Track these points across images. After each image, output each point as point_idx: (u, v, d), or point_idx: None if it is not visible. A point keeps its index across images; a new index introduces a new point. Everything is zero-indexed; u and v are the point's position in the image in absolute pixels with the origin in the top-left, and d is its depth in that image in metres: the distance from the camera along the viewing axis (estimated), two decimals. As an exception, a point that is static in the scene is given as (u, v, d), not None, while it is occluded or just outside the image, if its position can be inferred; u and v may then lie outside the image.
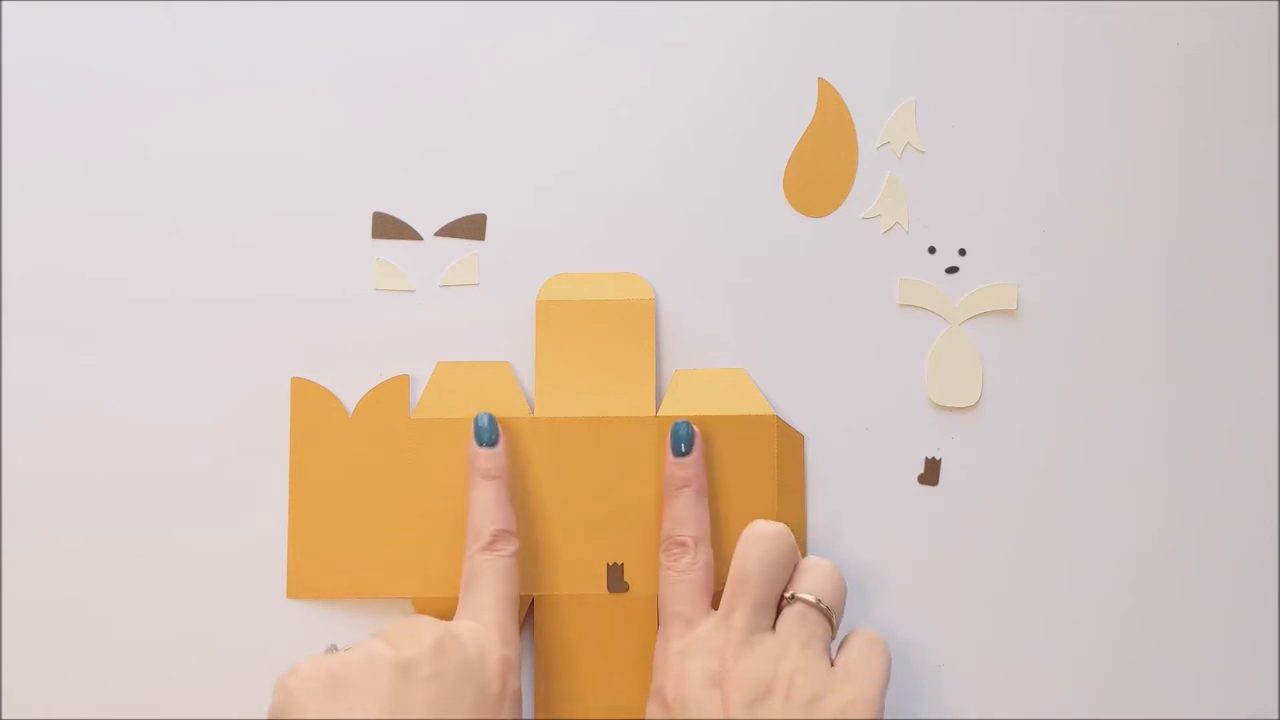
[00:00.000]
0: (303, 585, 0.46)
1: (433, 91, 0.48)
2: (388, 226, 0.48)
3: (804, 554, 0.47)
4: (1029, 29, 0.49)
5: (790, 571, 0.44)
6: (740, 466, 0.47)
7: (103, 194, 0.47)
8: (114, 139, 0.47)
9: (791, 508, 0.47)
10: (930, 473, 0.48)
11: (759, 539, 0.43)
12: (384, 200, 0.48)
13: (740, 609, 0.43)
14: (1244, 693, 0.48)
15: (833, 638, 0.43)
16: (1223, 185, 0.49)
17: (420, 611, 0.46)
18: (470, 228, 0.48)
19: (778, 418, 0.47)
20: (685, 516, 0.45)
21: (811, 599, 0.43)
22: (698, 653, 0.43)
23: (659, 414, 0.47)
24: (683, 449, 0.46)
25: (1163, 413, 0.49)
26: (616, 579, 0.46)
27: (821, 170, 0.48)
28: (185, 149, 0.47)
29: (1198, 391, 0.49)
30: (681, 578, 0.44)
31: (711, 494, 0.47)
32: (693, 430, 0.46)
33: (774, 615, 0.43)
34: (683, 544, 0.45)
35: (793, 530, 0.47)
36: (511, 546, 0.45)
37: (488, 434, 0.46)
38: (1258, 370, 0.49)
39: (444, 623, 0.42)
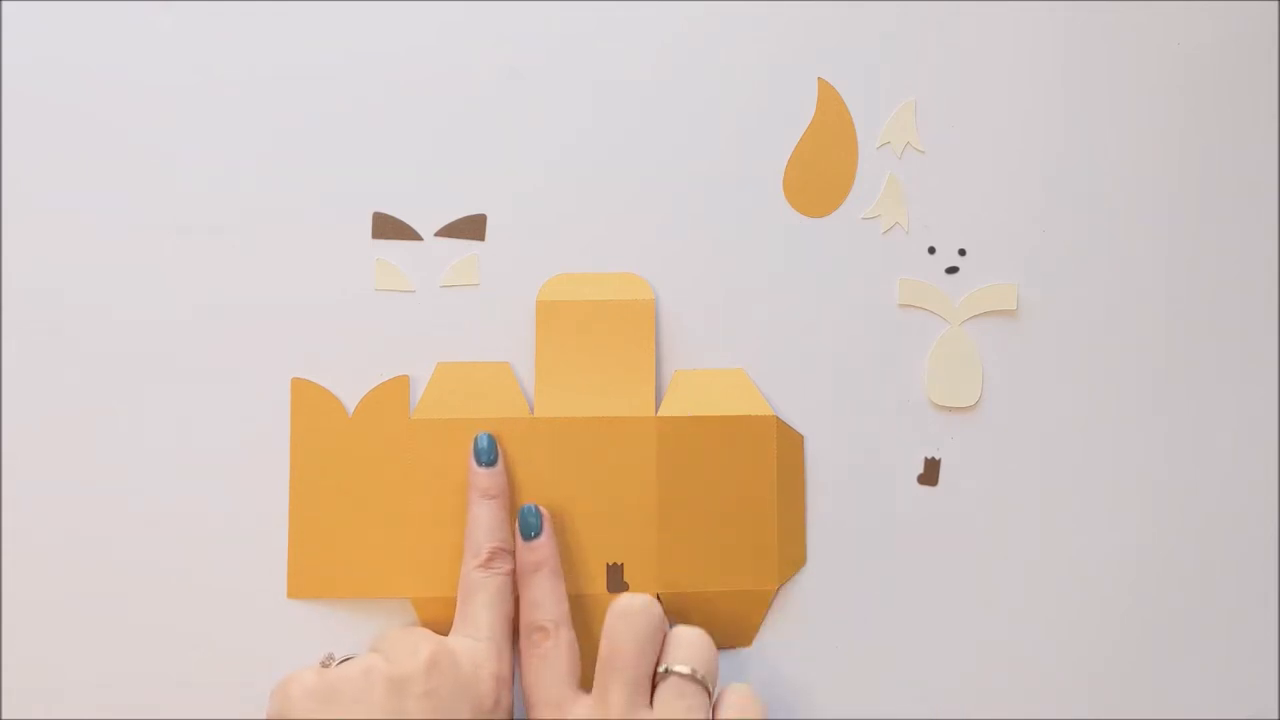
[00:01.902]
0: (303, 585, 0.46)
1: (433, 91, 0.48)
2: (388, 226, 0.48)
3: (804, 555, 0.47)
4: (1029, 29, 0.49)
5: (660, 643, 0.43)
6: (740, 467, 0.47)
7: (103, 194, 0.47)
8: (114, 139, 0.47)
9: (791, 508, 0.47)
10: (930, 473, 0.48)
11: (626, 614, 0.43)
12: (384, 200, 0.48)
13: (615, 689, 0.42)
14: (1244, 693, 0.48)
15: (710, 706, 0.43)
16: (1223, 185, 0.49)
17: (420, 611, 0.46)
18: (470, 228, 0.48)
19: (778, 418, 0.47)
20: (541, 599, 0.44)
21: (686, 670, 0.42)
22: None
23: (659, 414, 0.47)
24: (532, 534, 0.45)
25: (1163, 412, 0.49)
26: (616, 579, 0.46)
27: (821, 170, 0.48)
28: (185, 149, 0.47)
29: (1198, 391, 0.49)
30: (544, 664, 0.43)
31: (712, 494, 0.47)
32: (540, 513, 0.45)
33: (649, 691, 0.42)
34: (543, 629, 0.44)
35: (793, 530, 0.47)
36: (508, 565, 0.45)
37: (487, 454, 0.46)
38: (1258, 370, 0.49)
39: (440, 638, 0.43)
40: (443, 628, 0.45)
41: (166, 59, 0.47)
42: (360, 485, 0.46)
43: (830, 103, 0.49)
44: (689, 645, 0.43)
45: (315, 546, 0.46)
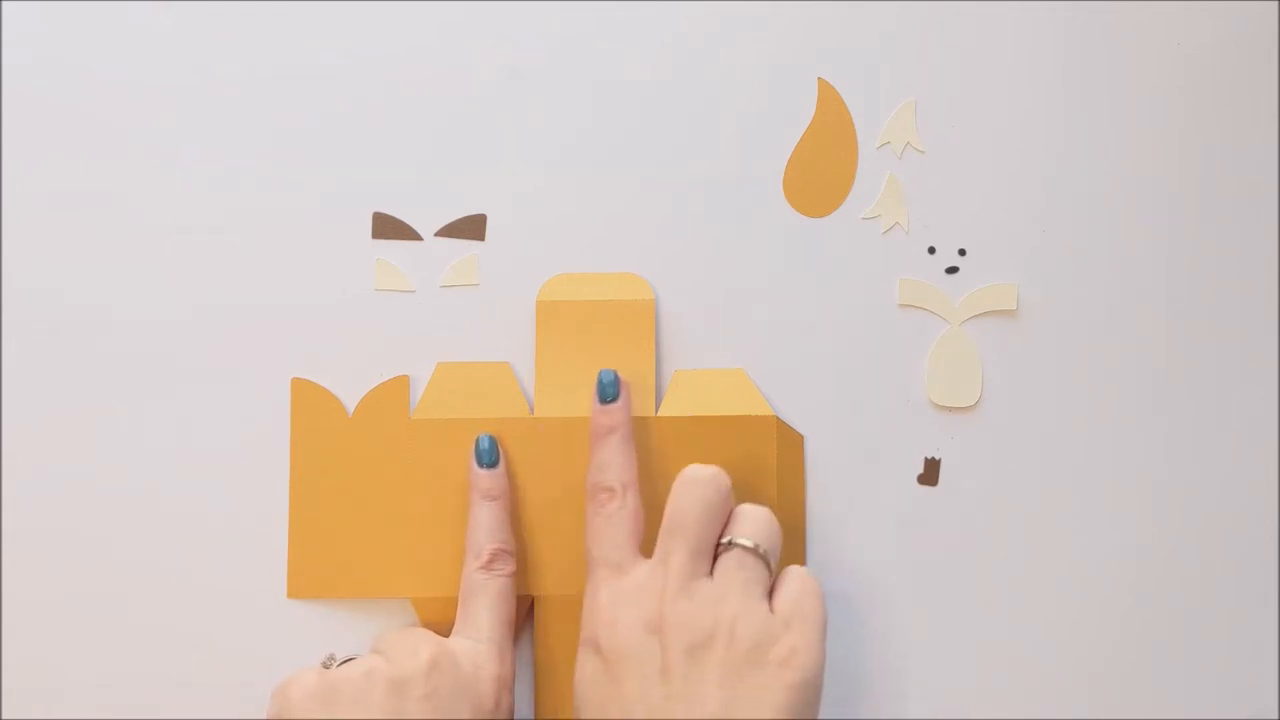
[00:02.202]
0: (303, 585, 0.46)
1: (433, 91, 0.48)
2: (388, 226, 0.48)
3: (804, 555, 0.47)
4: (1029, 29, 0.49)
5: (726, 517, 0.42)
6: (740, 467, 0.47)
7: (103, 194, 0.47)
8: (114, 139, 0.47)
9: (791, 508, 0.47)
10: (930, 473, 0.48)
11: (695, 483, 0.42)
12: (384, 200, 0.48)
13: (677, 553, 0.41)
14: (1244, 693, 0.48)
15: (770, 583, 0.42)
16: (1223, 185, 0.49)
17: (420, 612, 0.46)
18: (470, 228, 0.48)
19: (778, 418, 0.47)
20: (611, 461, 0.44)
21: (749, 544, 0.42)
22: (632, 599, 0.41)
23: (659, 414, 0.47)
24: (608, 398, 0.45)
25: (1162, 412, 0.49)
26: (616, 579, 0.46)
27: (821, 170, 0.48)
28: (185, 149, 0.47)
29: (1197, 391, 0.49)
30: (609, 523, 0.43)
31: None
32: (617, 377, 0.45)
33: (711, 561, 0.42)
34: (610, 489, 0.43)
35: (793, 530, 0.47)
36: (509, 566, 0.45)
37: (488, 456, 0.46)
38: (1258, 370, 0.49)
39: (441, 639, 0.43)
40: (443, 628, 0.45)
41: (166, 59, 0.47)
42: (360, 485, 0.46)
43: (830, 103, 0.49)
44: (754, 520, 0.42)
45: (315, 546, 0.46)
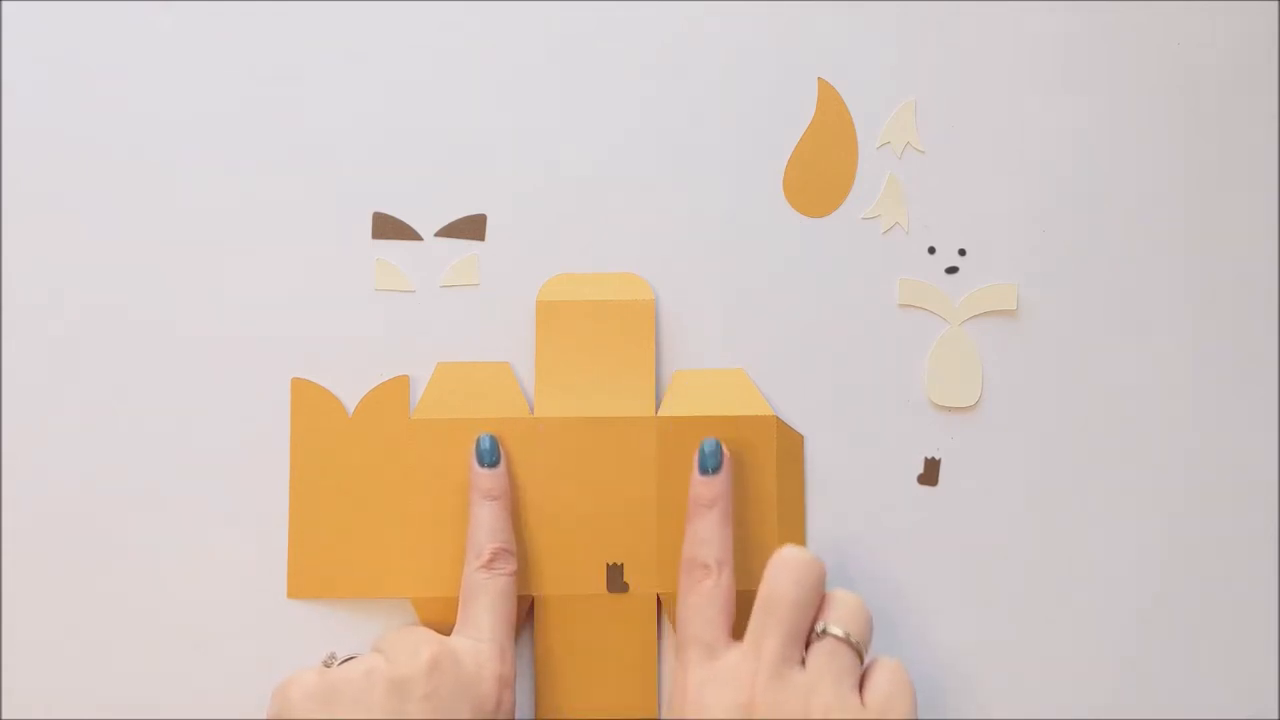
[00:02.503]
0: (303, 585, 0.46)
1: (433, 92, 0.48)
2: (388, 226, 0.48)
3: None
4: (1029, 29, 0.49)
5: (819, 601, 0.42)
6: (740, 467, 0.47)
7: (103, 194, 0.47)
8: (114, 139, 0.47)
9: (791, 508, 0.47)
10: (930, 473, 0.48)
11: (791, 566, 0.42)
12: (384, 200, 0.48)
13: (771, 639, 0.41)
14: (1244, 693, 0.48)
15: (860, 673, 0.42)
16: (1223, 185, 0.49)
17: (420, 611, 0.46)
18: (470, 228, 0.48)
19: (778, 418, 0.47)
20: (710, 537, 0.44)
21: (842, 633, 0.41)
22: (723, 682, 0.41)
23: (659, 414, 0.47)
24: (710, 469, 0.45)
25: (1162, 412, 0.49)
26: (616, 579, 0.46)
27: (821, 170, 0.48)
28: (185, 149, 0.47)
29: (1197, 391, 0.49)
30: (704, 603, 0.43)
31: (712, 494, 0.47)
32: (721, 448, 0.45)
33: (803, 647, 0.42)
34: (706, 566, 0.43)
35: (793, 530, 0.47)
36: (510, 566, 0.45)
37: (489, 455, 0.46)
38: (1258, 370, 0.49)
39: (442, 639, 0.43)
40: (443, 628, 0.45)
41: (166, 59, 0.47)
42: (360, 485, 0.46)
43: (830, 103, 0.49)
44: (847, 608, 0.42)
45: (315, 546, 0.46)
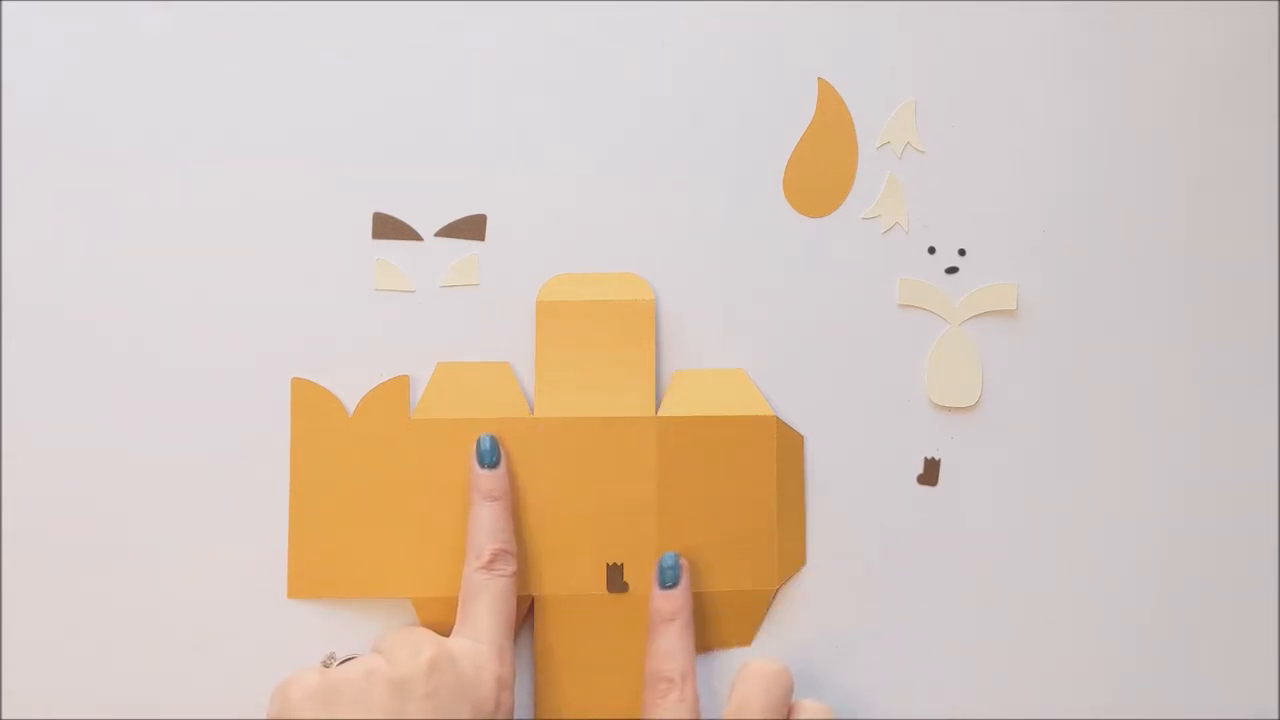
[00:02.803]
0: (303, 585, 0.46)
1: (433, 92, 0.48)
2: (388, 226, 0.48)
3: (804, 555, 0.47)
4: (1029, 29, 0.49)
5: (786, 712, 0.43)
6: (740, 467, 0.47)
7: (103, 194, 0.47)
8: (114, 140, 0.47)
9: (791, 508, 0.47)
10: (930, 473, 0.48)
11: (761, 677, 0.43)
12: (384, 200, 0.48)
13: None
14: (1244, 693, 0.48)
15: None
16: (1222, 185, 0.49)
17: (420, 612, 0.46)
18: (470, 228, 0.48)
19: (778, 418, 0.47)
20: (674, 650, 0.44)
21: None
22: None
23: (659, 414, 0.47)
24: (669, 583, 0.45)
25: (1162, 412, 0.49)
26: (616, 579, 0.46)
27: (821, 170, 0.48)
28: (185, 149, 0.47)
29: (1197, 391, 0.49)
30: (671, 717, 0.43)
31: (712, 494, 0.47)
32: (679, 561, 0.45)
33: None
34: (671, 680, 0.44)
35: (793, 530, 0.47)
36: (510, 567, 0.45)
37: (489, 456, 0.46)
38: (1258, 369, 0.49)
39: (442, 640, 0.43)
40: (443, 628, 0.45)
41: (166, 59, 0.47)
42: (360, 485, 0.46)
43: (830, 103, 0.49)
44: (815, 716, 0.43)
45: (315, 546, 0.46)
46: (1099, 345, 0.49)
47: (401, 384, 0.47)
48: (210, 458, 0.47)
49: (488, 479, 0.45)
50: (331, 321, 0.47)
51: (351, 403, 0.47)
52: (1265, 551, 0.49)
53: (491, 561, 0.44)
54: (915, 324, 0.48)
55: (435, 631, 0.44)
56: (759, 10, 0.48)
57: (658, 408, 0.47)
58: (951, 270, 0.48)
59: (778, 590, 0.47)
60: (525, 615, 0.47)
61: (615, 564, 0.46)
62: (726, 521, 0.47)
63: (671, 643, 0.44)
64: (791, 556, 0.47)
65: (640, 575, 0.46)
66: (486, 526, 0.45)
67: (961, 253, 0.48)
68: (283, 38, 0.48)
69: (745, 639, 0.47)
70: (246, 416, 0.47)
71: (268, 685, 0.43)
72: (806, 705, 0.43)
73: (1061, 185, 0.49)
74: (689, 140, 0.48)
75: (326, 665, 0.43)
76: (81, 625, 0.46)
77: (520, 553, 0.46)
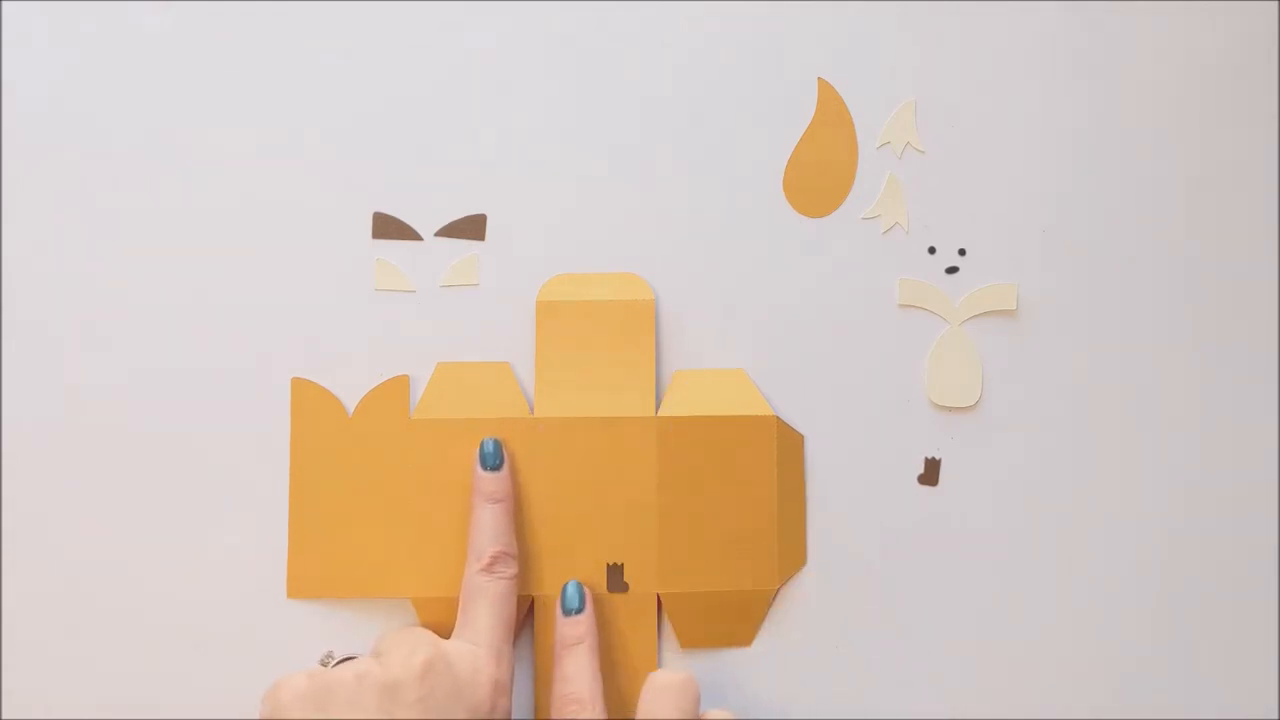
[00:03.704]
0: (303, 585, 0.46)
1: (433, 91, 0.48)
2: (388, 226, 0.48)
3: (804, 555, 0.47)
4: (1029, 29, 0.49)
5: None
6: (740, 467, 0.47)
7: (103, 194, 0.47)
8: (114, 140, 0.47)
9: (791, 508, 0.47)
10: (930, 473, 0.48)
11: (667, 691, 0.43)
12: (384, 200, 0.48)
13: None
14: (1244, 693, 0.48)
15: None
16: (1222, 185, 0.49)
17: (420, 612, 0.46)
18: (470, 228, 0.48)
19: (778, 418, 0.47)
20: (579, 673, 0.44)
21: None
22: None
23: (659, 414, 0.47)
24: (574, 609, 0.45)
25: (1162, 412, 0.49)
26: (616, 579, 0.46)
27: (821, 170, 0.48)
28: (185, 149, 0.47)
29: (1197, 391, 0.49)
30: None
31: (712, 494, 0.47)
32: (582, 590, 0.46)
33: None
34: (580, 701, 0.44)
35: (793, 530, 0.47)
36: (511, 569, 0.45)
37: (493, 459, 0.46)
38: (1258, 369, 0.49)
39: (439, 642, 0.43)
40: (443, 628, 0.45)
41: (166, 59, 0.47)
42: (360, 485, 0.46)
43: (830, 103, 0.49)
44: None
45: (315, 546, 0.46)
46: (1099, 345, 0.49)
47: (401, 384, 0.47)
48: (210, 457, 0.47)
49: (490, 481, 0.45)
50: (331, 321, 0.47)
51: (351, 403, 0.47)
52: (1265, 551, 0.49)
53: (492, 564, 0.44)
54: (915, 324, 0.48)
55: (436, 632, 0.44)
56: (759, 10, 0.48)
57: (658, 408, 0.47)
58: (951, 270, 0.49)
59: (778, 590, 0.47)
60: (525, 616, 0.47)
61: (615, 564, 0.46)
62: (727, 521, 0.47)
63: (577, 666, 0.44)
64: (791, 556, 0.47)
65: (640, 575, 0.46)
66: (488, 529, 0.45)
67: (961, 253, 0.48)
68: (283, 38, 0.48)
69: (745, 639, 0.47)
70: (246, 416, 0.47)
71: (267, 685, 0.43)
72: (714, 715, 0.43)
73: (1061, 185, 0.49)
74: (689, 140, 0.48)
75: (324, 664, 0.43)
76: (81, 625, 0.46)
77: (520, 553, 0.46)
